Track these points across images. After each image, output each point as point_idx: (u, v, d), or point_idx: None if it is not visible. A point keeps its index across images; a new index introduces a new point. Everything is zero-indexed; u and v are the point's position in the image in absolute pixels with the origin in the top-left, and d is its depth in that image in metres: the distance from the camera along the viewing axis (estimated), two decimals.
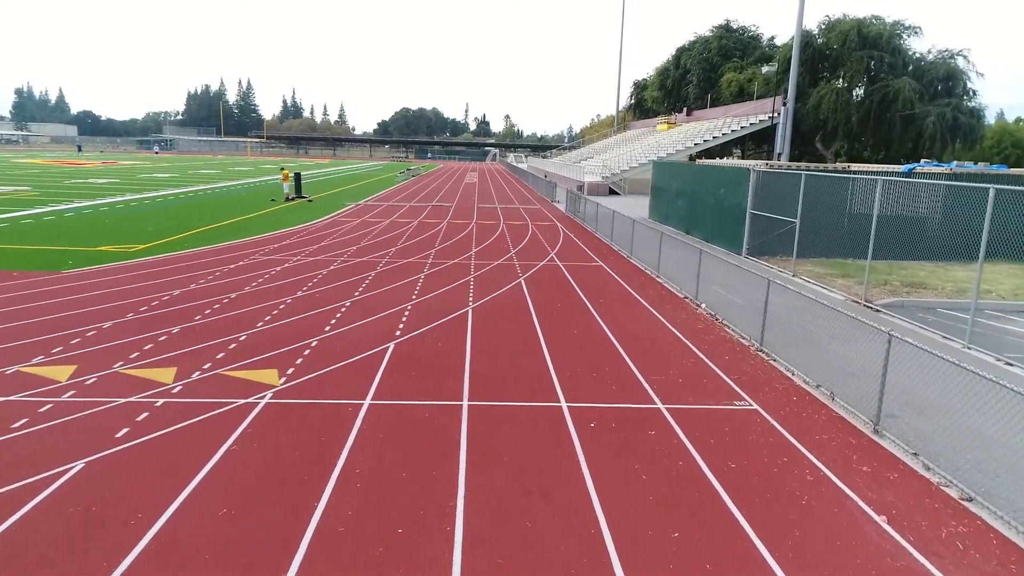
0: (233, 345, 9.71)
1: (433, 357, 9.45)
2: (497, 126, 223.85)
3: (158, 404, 7.46)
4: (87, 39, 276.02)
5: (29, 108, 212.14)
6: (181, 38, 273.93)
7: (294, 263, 16.64)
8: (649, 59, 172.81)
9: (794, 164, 25.80)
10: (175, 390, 7.89)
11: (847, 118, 42.09)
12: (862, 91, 43.39)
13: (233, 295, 12.88)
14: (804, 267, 17.28)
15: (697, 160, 48.90)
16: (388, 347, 9.80)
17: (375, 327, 10.90)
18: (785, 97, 43.69)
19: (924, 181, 17.40)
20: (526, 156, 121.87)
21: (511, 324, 11.42)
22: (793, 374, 9.10)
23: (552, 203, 38.01)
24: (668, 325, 11.77)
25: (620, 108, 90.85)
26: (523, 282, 15.37)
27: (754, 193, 19.54)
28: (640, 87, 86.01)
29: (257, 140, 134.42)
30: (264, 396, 7.78)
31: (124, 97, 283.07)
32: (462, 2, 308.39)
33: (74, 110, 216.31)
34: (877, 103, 41.12)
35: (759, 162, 23.12)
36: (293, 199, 34.85)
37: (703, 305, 12.98)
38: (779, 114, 45.25)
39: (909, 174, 19.48)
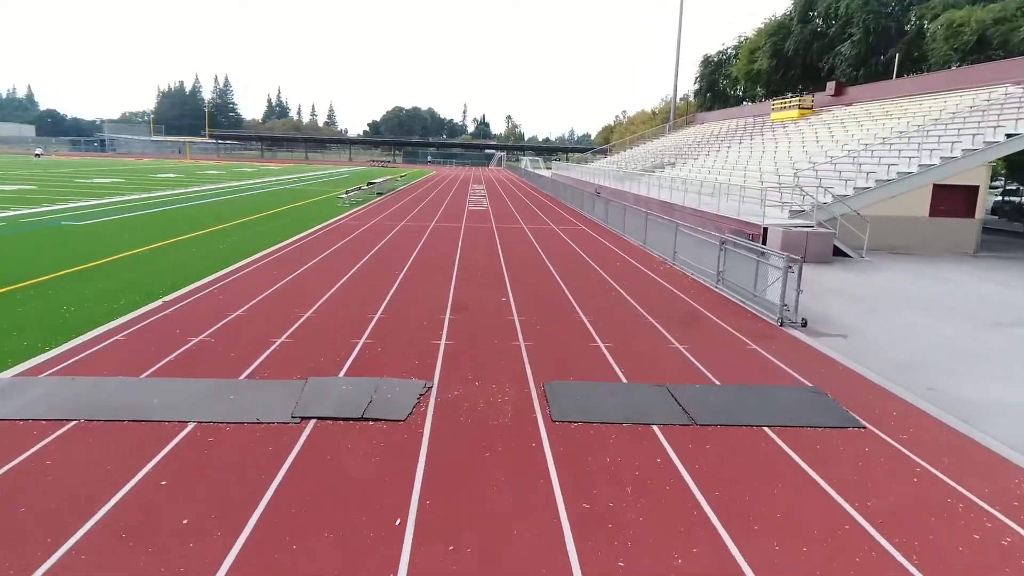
0: None
1: None
2: (498, 127, 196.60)
3: None
4: (73, 39, 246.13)
5: None
6: (173, 38, 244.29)
7: None
8: (701, 38, 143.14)
9: None
10: None
11: None
12: None
13: None
14: None
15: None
16: None
17: None
18: None
19: None
20: (545, 161, 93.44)
21: None
22: None
23: (782, 328, 10.33)
24: None
25: (673, 97, 62.84)
26: None
27: None
28: (713, 64, 58.26)
29: (200, 140, 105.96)
30: None
31: (105, 98, 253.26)
32: (462, 0, 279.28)
33: (50, 110, 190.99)
34: None
35: None
36: None
37: None
38: None
39: None
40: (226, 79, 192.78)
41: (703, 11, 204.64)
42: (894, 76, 33.23)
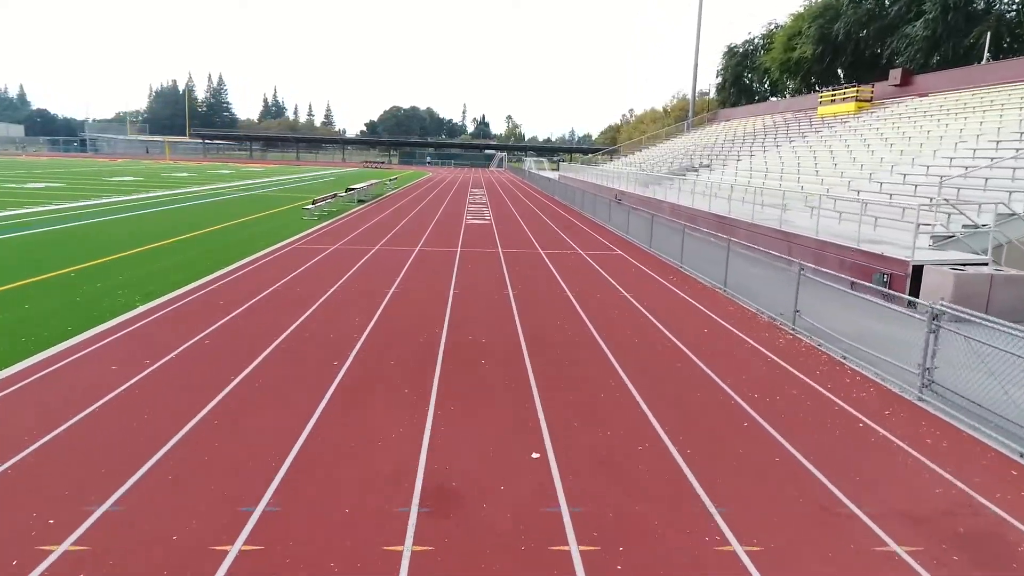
0: None
1: None
2: (497, 127, 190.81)
3: None
4: (69, 39, 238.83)
5: None
6: (170, 39, 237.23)
7: None
8: (712, 29, 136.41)
9: None
10: None
11: None
12: None
13: None
14: None
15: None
16: None
17: None
18: None
19: None
20: (550, 163, 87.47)
21: None
22: None
23: None
24: None
25: (692, 92, 56.54)
26: None
27: None
28: (739, 56, 51.89)
29: (180, 140, 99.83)
30: None
31: (100, 98, 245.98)
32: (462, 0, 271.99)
33: (41, 110, 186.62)
34: None
35: None
36: None
37: None
38: None
39: None
40: (220, 78, 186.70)
41: (717, 2, 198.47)
42: (984, 60, 27.01)
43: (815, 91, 39.06)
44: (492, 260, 15.72)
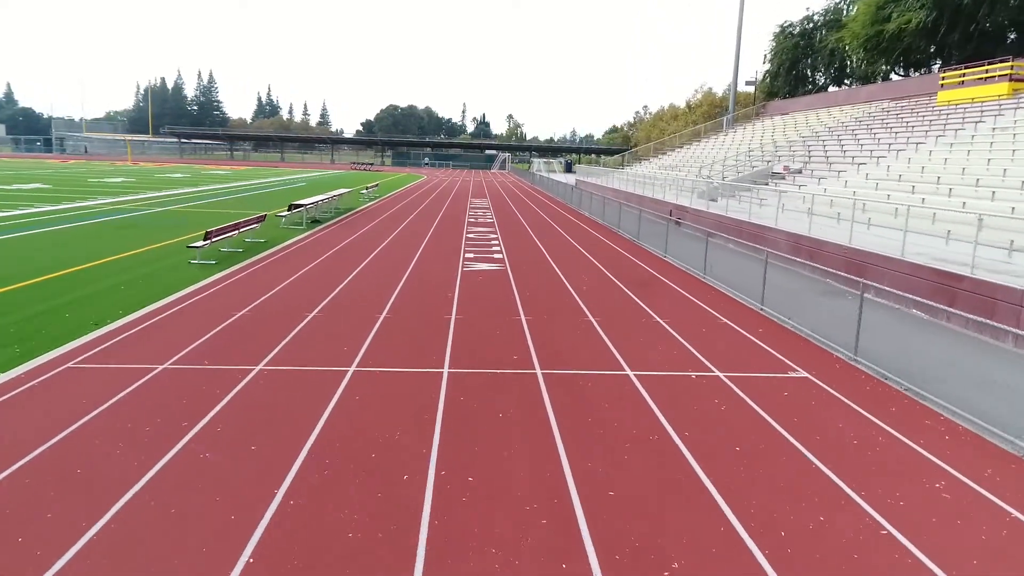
0: None
1: None
2: (498, 127, 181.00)
3: None
4: (64, 39, 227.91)
5: None
6: (165, 38, 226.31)
7: None
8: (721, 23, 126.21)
9: None
10: None
11: None
12: None
13: None
14: None
15: None
16: None
17: None
18: None
19: None
20: (561, 164, 77.75)
21: None
22: None
23: None
24: None
25: (733, 83, 46.57)
26: None
27: None
28: (797, 36, 42.04)
29: (142, 138, 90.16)
30: None
31: (94, 98, 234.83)
32: None
33: (26, 108, 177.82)
34: None
35: None
36: None
37: None
38: None
39: None
40: (210, 75, 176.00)
41: None
42: None
43: (886, 78, 29.29)
44: (528, 435, 5.93)
